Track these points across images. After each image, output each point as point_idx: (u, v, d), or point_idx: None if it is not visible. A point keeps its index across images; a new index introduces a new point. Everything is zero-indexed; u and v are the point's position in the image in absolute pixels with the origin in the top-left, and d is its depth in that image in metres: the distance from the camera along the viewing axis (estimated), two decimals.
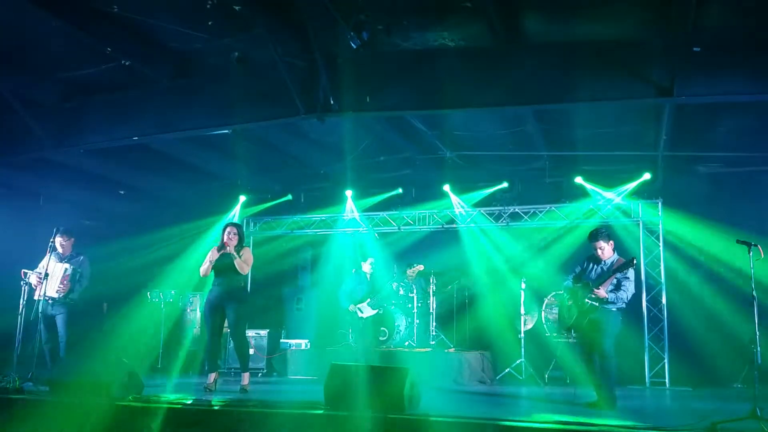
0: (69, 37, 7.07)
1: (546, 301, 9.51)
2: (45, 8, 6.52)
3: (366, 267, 10.22)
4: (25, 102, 8.44)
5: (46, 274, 7.52)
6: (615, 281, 6.30)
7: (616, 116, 8.71)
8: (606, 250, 6.49)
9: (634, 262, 6.33)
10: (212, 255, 7.09)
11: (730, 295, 8.57)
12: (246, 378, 7.15)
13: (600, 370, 6.29)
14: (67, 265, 7.73)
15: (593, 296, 6.26)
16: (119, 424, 5.41)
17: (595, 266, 6.57)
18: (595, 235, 6.56)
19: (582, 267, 6.70)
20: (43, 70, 8.14)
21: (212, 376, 7.08)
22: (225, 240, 7.10)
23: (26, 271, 7.61)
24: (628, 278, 6.31)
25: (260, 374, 9.87)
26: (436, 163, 10.59)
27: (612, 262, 6.47)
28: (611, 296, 6.23)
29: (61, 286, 7.64)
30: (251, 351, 9.94)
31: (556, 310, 8.65)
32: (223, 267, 7.08)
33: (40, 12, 6.54)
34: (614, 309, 6.32)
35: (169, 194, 12.22)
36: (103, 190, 11.74)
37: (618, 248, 9.77)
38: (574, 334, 6.62)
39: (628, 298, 6.33)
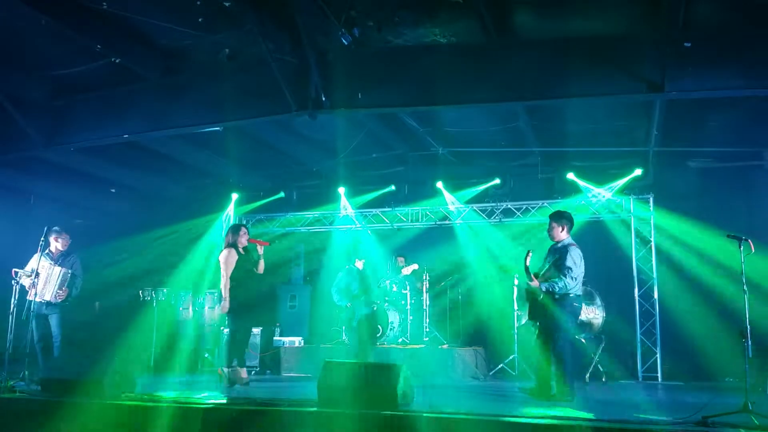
0: (58, 35, 7.03)
1: None
2: (33, 6, 6.47)
3: (359, 265, 10.20)
4: (14, 100, 8.38)
5: (37, 273, 7.49)
6: (553, 269, 6.39)
7: (608, 112, 8.74)
8: (554, 231, 6.60)
9: (528, 253, 6.46)
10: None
11: (722, 289, 8.60)
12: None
13: (554, 360, 6.32)
14: (63, 270, 7.68)
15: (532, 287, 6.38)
16: (111, 423, 5.38)
17: (549, 255, 6.66)
18: (552, 213, 6.81)
19: (543, 257, 6.78)
20: (33, 69, 8.10)
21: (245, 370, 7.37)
22: (252, 240, 7.52)
23: (17, 270, 7.57)
24: (566, 264, 6.32)
25: (253, 372, 9.85)
26: (429, 160, 10.59)
27: (559, 247, 6.56)
28: (544, 285, 6.29)
29: (60, 292, 7.62)
30: None
31: None
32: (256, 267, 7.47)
33: (28, 10, 6.49)
34: (557, 296, 6.33)
35: (161, 192, 12.19)
36: (94, 189, 11.70)
37: (610, 243, 9.88)
38: (533, 322, 6.73)
39: (570, 285, 6.30)
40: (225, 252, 7.38)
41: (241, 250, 7.41)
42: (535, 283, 6.32)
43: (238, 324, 7.36)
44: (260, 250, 7.48)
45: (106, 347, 8.78)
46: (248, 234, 7.56)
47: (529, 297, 6.64)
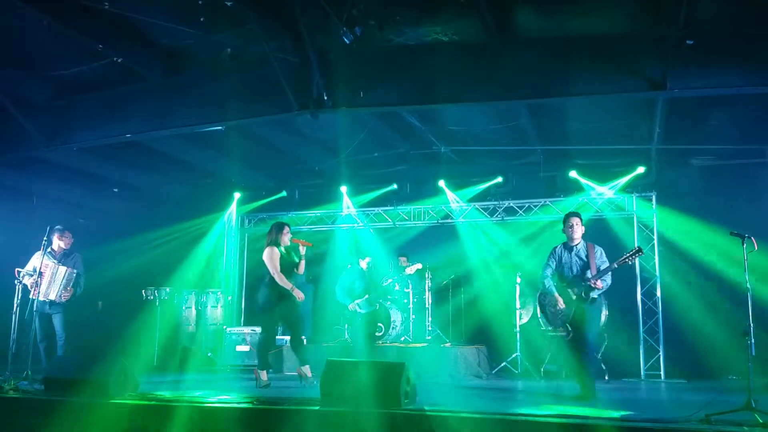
0: (60, 34, 7.03)
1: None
2: (35, 6, 6.48)
3: (363, 264, 10.22)
4: (16, 100, 8.39)
5: (40, 273, 7.51)
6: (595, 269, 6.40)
7: (610, 110, 8.73)
8: (580, 230, 6.59)
9: (642, 252, 6.44)
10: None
11: (724, 287, 8.59)
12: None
13: (589, 360, 6.35)
14: (68, 270, 7.69)
15: (588, 287, 6.29)
16: (114, 422, 5.39)
17: (569, 255, 6.60)
18: (574, 213, 6.76)
19: (555, 260, 6.70)
20: (35, 69, 8.10)
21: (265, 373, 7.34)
22: (295, 240, 7.42)
23: (20, 269, 7.60)
24: (606, 262, 6.44)
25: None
26: (431, 159, 10.59)
27: (584, 247, 6.56)
28: (604, 285, 6.35)
29: (65, 292, 7.64)
30: (246, 348, 9.94)
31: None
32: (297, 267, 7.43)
33: (30, 10, 6.50)
34: (600, 296, 6.42)
35: (163, 192, 12.21)
36: (97, 189, 11.72)
37: (613, 241, 9.89)
38: (569, 329, 6.63)
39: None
40: (267, 250, 7.26)
41: (282, 248, 7.34)
42: (600, 285, 6.29)
43: (267, 323, 7.36)
44: (302, 250, 7.39)
45: (109, 346, 8.81)
46: (291, 233, 7.46)
47: (571, 301, 6.46)
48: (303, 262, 7.42)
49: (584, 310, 6.36)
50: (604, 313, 8.73)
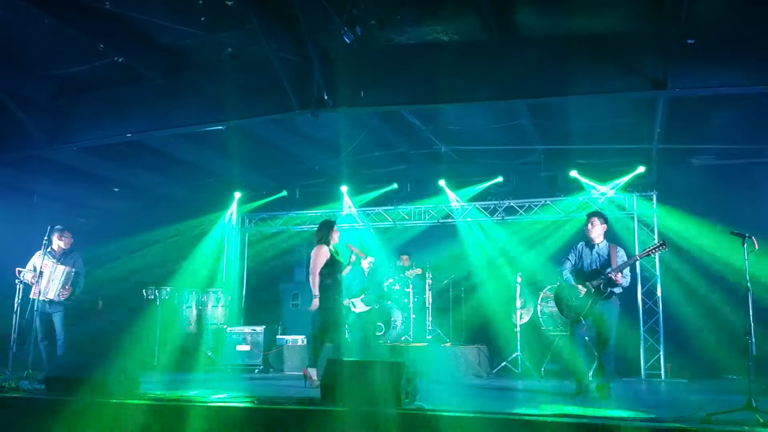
0: (61, 34, 7.04)
1: (542, 294, 9.49)
2: (37, 5, 6.48)
3: (364, 264, 10.22)
4: (17, 100, 8.40)
5: (41, 272, 7.51)
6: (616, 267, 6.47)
7: (611, 109, 8.72)
8: (598, 229, 6.65)
9: (665, 245, 6.48)
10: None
11: (725, 286, 8.58)
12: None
13: (607, 358, 6.40)
14: (66, 268, 7.70)
15: (608, 281, 6.36)
16: (115, 422, 5.39)
17: (590, 252, 6.65)
18: (595, 212, 6.88)
19: (576, 255, 6.74)
20: (36, 68, 8.11)
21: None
22: (350, 246, 7.54)
23: (20, 269, 7.60)
24: (626, 261, 6.51)
25: (257, 370, 9.87)
26: (431, 158, 10.59)
27: (606, 246, 6.64)
28: (624, 281, 6.41)
29: (63, 290, 7.65)
30: (247, 347, 9.94)
31: (552, 304, 8.64)
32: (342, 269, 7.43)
33: (32, 9, 6.51)
34: (616, 293, 6.47)
35: (164, 191, 12.21)
36: (97, 188, 11.73)
37: (613, 241, 9.84)
38: (582, 321, 6.66)
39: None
40: (316, 248, 7.28)
41: (332, 246, 7.34)
42: (620, 279, 6.37)
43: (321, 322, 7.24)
44: (353, 258, 7.47)
45: (110, 346, 8.80)
46: (339, 232, 7.50)
47: (588, 294, 6.49)
48: (349, 267, 7.50)
49: (602, 305, 6.41)
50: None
